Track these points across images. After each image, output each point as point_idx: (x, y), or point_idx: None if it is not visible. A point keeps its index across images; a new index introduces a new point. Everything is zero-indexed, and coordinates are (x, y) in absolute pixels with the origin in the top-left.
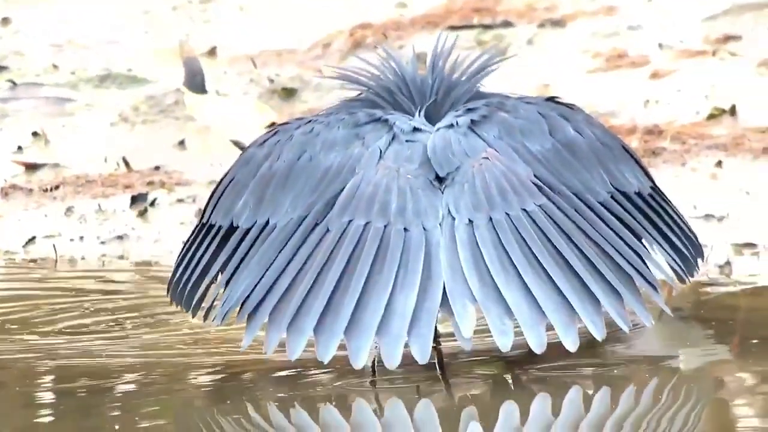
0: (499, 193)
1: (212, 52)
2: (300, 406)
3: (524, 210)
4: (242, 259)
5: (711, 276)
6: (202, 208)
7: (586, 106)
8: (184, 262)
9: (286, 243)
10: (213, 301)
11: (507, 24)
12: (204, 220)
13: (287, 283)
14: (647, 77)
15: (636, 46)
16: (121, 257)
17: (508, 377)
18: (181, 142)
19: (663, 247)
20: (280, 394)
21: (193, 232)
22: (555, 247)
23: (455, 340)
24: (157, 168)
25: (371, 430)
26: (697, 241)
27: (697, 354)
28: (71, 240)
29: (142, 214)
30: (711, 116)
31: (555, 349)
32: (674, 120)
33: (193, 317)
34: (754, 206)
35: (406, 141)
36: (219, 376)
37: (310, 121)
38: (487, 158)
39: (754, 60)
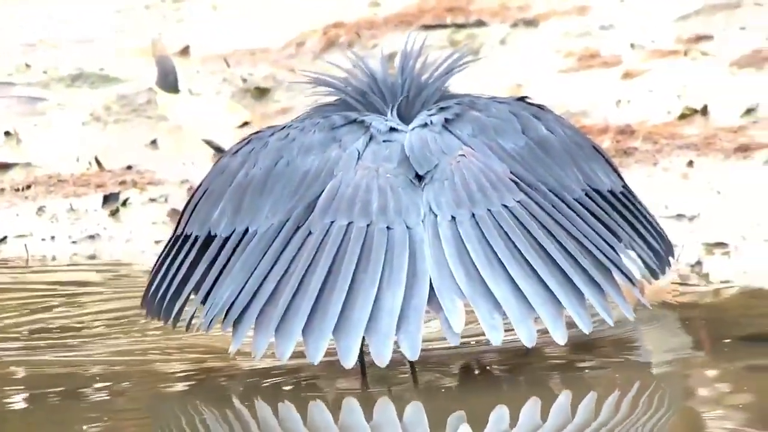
0: (479, 190)
1: (185, 51)
2: (288, 403)
3: (504, 206)
4: (223, 267)
5: (682, 275)
6: (176, 209)
7: (558, 106)
8: (160, 274)
9: (268, 248)
10: (195, 312)
11: (480, 23)
12: (178, 232)
13: (272, 287)
14: (619, 77)
15: (608, 46)
16: (93, 257)
17: (476, 371)
18: (154, 142)
19: (637, 243)
20: (262, 395)
21: (168, 244)
22: (537, 242)
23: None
24: (129, 167)
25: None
26: (668, 239)
27: (667, 353)
28: (43, 240)
29: (114, 213)
30: (683, 116)
31: (519, 350)
32: (646, 120)
33: (173, 328)
34: (725, 206)
35: (384, 141)
36: (193, 379)
37: (284, 128)
38: (464, 155)
39: (725, 60)
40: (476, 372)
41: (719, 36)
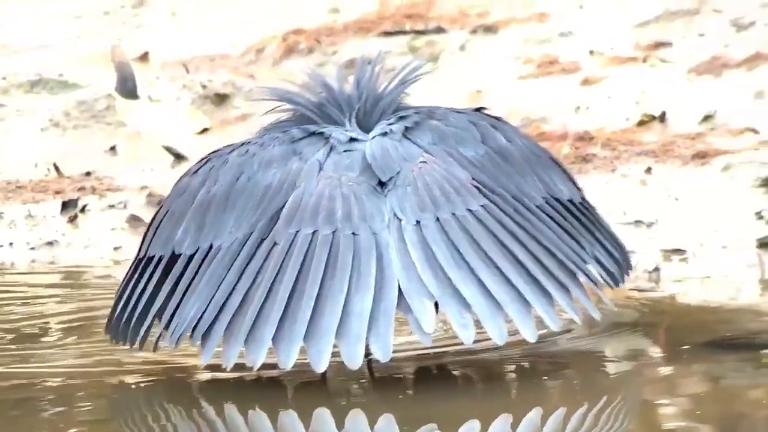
0: (442, 195)
1: (144, 57)
2: (259, 410)
3: (469, 210)
4: (189, 285)
5: (640, 282)
6: (135, 215)
7: (517, 112)
8: (124, 299)
9: (234, 261)
10: (161, 333)
11: (439, 30)
12: (141, 255)
13: (240, 298)
14: (578, 83)
15: (567, 53)
16: (51, 263)
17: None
18: (113, 148)
19: (598, 251)
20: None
21: (130, 268)
22: (503, 244)
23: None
24: (88, 174)
25: None
26: (626, 249)
27: (625, 360)
28: (0, 246)
29: (73, 219)
30: (641, 123)
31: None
32: (605, 126)
33: (140, 349)
34: (683, 212)
35: (344, 151)
36: (157, 383)
37: (243, 144)
38: (425, 162)
39: (684, 67)
40: (434, 372)
41: (677, 43)
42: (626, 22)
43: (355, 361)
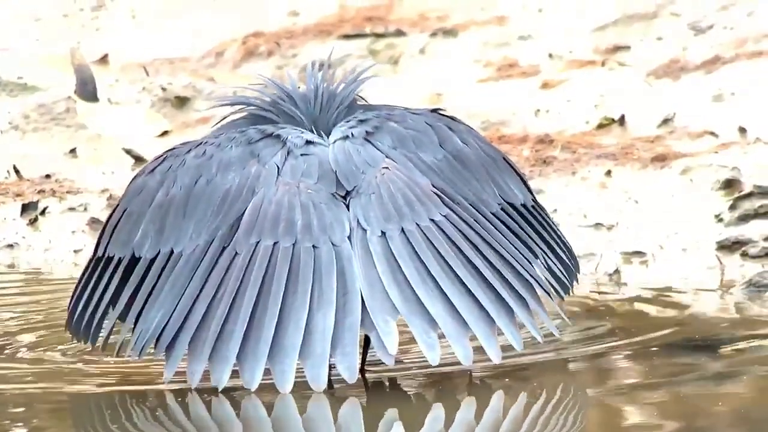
0: (405, 204)
1: (104, 59)
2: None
3: (432, 220)
4: (151, 291)
5: (600, 284)
6: (95, 218)
7: (477, 115)
8: (84, 298)
9: (196, 270)
10: (124, 338)
11: (399, 33)
12: (99, 254)
13: (202, 310)
14: (538, 87)
15: (527, 56)
16: (11, 266)
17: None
18: (73, 151)
19: (549, 257)
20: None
21: (87, 267)
22: (466, 257)
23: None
24: (48, 176)
25: None
26: (574, 253)
27: (586, 361)
28: None
29: (33, 222)
30: (600, 126)
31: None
32: (564, 129)
33: (102, 351)
34: (642, 215)
35: (301, 155)
36: (112, 385)
37: (200, 144)
38: (387, 168)
39: (642, 70)
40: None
41: (636, 46)
42: (585, 25)
43: (319, 382)
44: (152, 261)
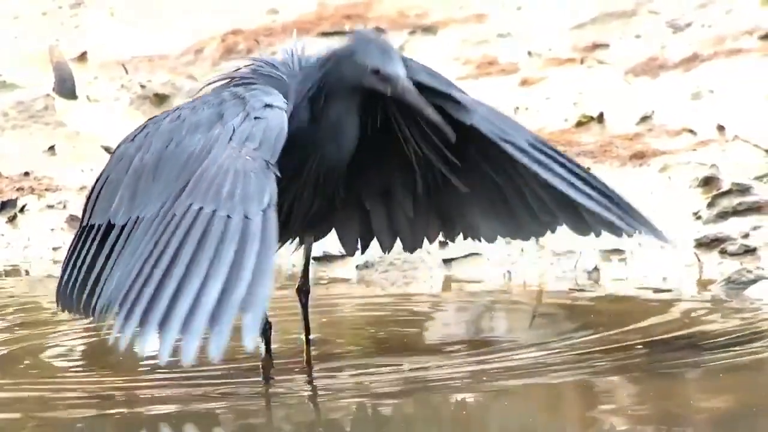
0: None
1: (82, 57)
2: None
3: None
4: (118, 256)
5: (579, 282)
6: (74, 215)
7: None
8: (69, 267)
9: (146, 234)
10: (96, 304)
11: (378, 30)
12: (84, 223)
13: (145, 275)
14: (517, 84)
15: (506, 54)
16: None
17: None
18: (51, 148)
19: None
20: None
21: (76, 236)
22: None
23: None
24: (26, 174)
25: None
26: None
27: (564, 356)
28: None
29: (12, 220)
30: (579, 123)
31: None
32: (543, 127)
33: (86, 318)
34: None
35: (255, 118)
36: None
37: (177, 109)
38: None
39: (621, 68)
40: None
41: (615, 44)
42: (563, 23)
43: (187, 355)
44: (123, 228)
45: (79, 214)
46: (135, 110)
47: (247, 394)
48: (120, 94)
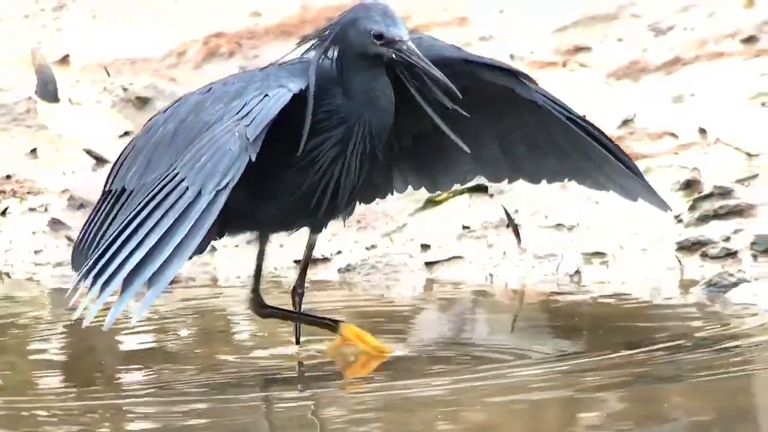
0: None
1: (65, 60)
2: None
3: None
4: (113, 220)
5: (561, 285)
6: (56, 218)
7: None
8: (84, 229)
9: (134, 199)
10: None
11: None
12: (106, 188)
13: (112, 238)
14: None
15: (488, 57)
16: None
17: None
18: (33, 151)
19: None
20: None
21: (98, 200)
22: None
23: None
24: (8, 177)
25: None
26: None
27: (547, 361)
28: None
29: None
30: None
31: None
32: None
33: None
34: (603, 216)
35: (264, 96)
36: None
37: (213, 83)
38: None
39: (603, 71)
40: None
41: (597, 47)
42: (545, 26)
43: (86, 319)
44: (131, 194)
45: (61, 218)
46: (117, 113)
47: (236, 408)
48: (102, 97)
